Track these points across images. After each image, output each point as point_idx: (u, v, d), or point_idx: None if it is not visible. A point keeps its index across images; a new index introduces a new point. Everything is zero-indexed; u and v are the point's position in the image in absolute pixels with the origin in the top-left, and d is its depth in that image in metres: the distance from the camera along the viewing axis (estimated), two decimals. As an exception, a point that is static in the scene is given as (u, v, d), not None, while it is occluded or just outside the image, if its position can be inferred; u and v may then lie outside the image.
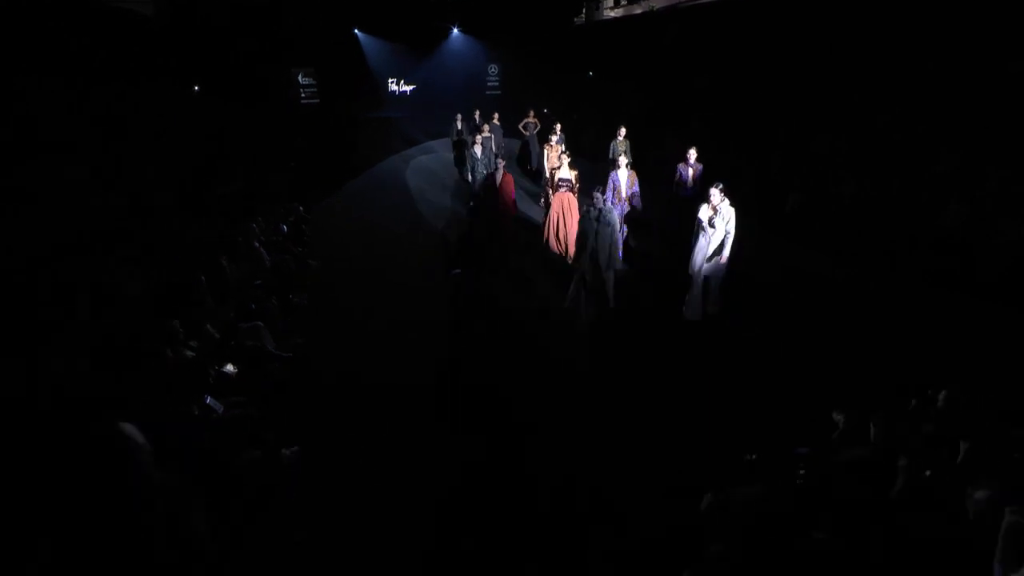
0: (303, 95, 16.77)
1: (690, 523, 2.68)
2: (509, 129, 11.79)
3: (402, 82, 17.84)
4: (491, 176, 8.31)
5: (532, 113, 11.77)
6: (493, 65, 17.65)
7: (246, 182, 9.59)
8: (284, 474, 3.48)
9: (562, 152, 8.14)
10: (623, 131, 8.73)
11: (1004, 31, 6.90)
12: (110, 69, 7.79)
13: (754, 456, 2.77)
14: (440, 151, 13.83)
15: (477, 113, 11.90)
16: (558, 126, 9.61)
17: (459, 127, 11.54)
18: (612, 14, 16.17)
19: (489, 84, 17.71)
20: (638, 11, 14.74)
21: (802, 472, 2.49)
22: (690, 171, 7.40)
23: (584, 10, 16.22)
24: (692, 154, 7.35)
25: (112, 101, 7.75)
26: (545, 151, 9.16)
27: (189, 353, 3.50)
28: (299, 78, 16.64)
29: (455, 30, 16.97)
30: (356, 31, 16.61)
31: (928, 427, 2.45)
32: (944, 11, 7.70)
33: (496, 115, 11.31)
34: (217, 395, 3.28)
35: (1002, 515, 1.69)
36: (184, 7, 12.59)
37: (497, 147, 10.45)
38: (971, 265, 6.04)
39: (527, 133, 11.70)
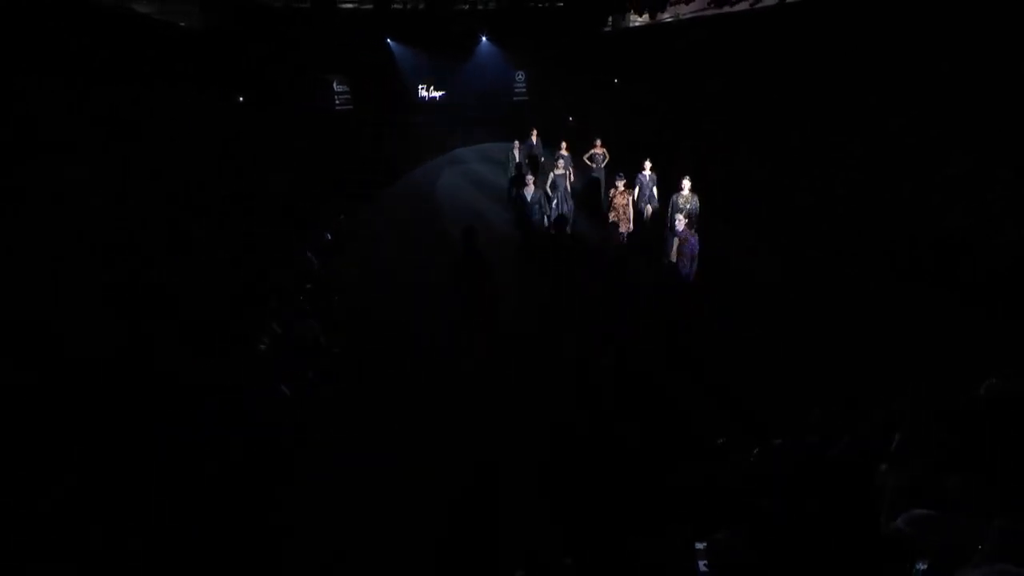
0: (337, 102, 17.54)
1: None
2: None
3: (432, 88, 18.48)
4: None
5: (599, 142, 9.91)
6: (520, 72, 18.15)
7: (290, 186, 10.29)
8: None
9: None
10: (687, 183, 7.18)
11: (1018, 33, 6.95)
12: (137, 73, 8.22)
13: (722, 441, 3.28)
14: (469, 161, 14.21)
15: (534, 134, 10.39)
16: (648, 163, 7.99)
17: (517, 158, 9.83)
18: (639, 21, 16.49)
19: (516, 90, 18.22)
20: (667, 18, 15.03)
21: (755, 452, 2.97)
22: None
23: (611, 19, 16.56)
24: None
25: (154, 105, 8.41)
26: (611, 194, 7.71)
27: (262, 346, 4.16)
28: (334, 85, 17.42)
29: (483, 38, 17.52)
30: (388, 40, 17.31)
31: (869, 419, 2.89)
32: (959, 13, 7.78)
33: (565, 144, 9.21)
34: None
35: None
36: (228, 20, 13.41)
37: (571, 189, 8.66)
38: (973, 267, 6.25)
39: (593, 166, 9.89)
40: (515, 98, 18.14)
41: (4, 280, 4.02)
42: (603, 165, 9.87)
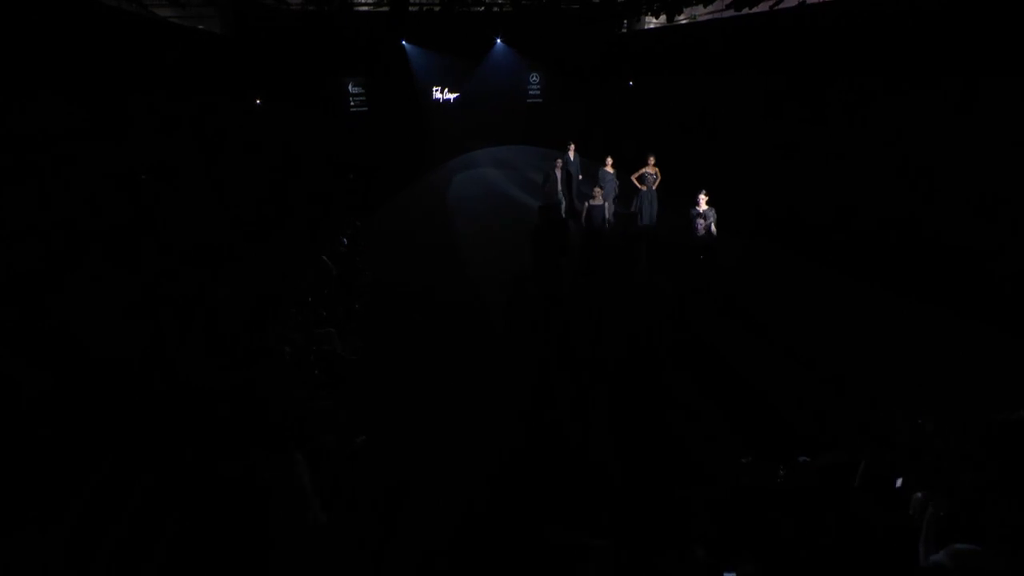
0: (352, 103, 17.62)
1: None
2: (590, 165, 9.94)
3: (446, 90, 18.49)
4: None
5: (652, 160, 8.94)
6: (535, 74, 18.12)
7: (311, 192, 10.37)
8: (355, 456, 4.14)
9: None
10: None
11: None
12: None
13: (748, 459, 3.21)
14: (484, 164, 14.20)
15: (572, 149, 9.56)
16: (703, 197, 7.01)
17: (558, 177, 9.02)
18: (654, 23, 16.38)
19: (530, 92, 18.18)
20: (683, 20, 14.89)
21: (782, 473, 2.91)
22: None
23: (626, 22, 16.48)
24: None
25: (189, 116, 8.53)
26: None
27: (285, 352, 4.17)
28: (349, 87, 17.51)
29: (498, 40, 17.52)
30: (403, 42, 17.37)
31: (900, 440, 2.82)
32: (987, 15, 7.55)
33: (610, 161, 8.84)
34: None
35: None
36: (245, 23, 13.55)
37: (611, 213, 8.13)
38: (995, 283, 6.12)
39: (643, 188, 8.89)
40: (529, 100, 18.12)
41: (26, 281, 4.08)
42: (654, 187, 8.94)
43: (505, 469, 4.27)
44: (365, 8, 15.72)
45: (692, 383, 5.35)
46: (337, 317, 5.65)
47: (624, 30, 16.92)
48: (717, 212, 7.21)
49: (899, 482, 2.42)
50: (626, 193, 9.36)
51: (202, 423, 3.40)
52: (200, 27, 12.02)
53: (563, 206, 8.34)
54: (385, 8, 15.36)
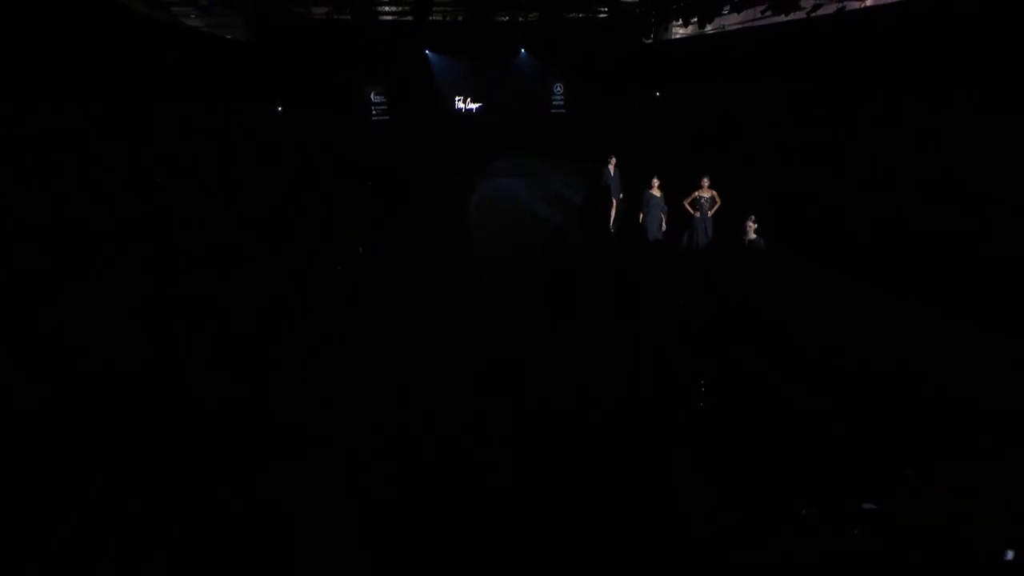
0: (374, 112, 17.63)
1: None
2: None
3: (468, 100, 18.39)
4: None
5: (707, 182, 7.93)
6: (559, 84, 17.93)
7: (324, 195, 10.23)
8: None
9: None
10: (656, 182, 7.04)
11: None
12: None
13: (812, 510, 2.75)
14: (504, 174, 14.00)
15: (612, 164, 8.85)
16: (751, 225, 6.38)
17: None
18: (681, 32, 16.10)
19: (554, 103, 17.98)
20: (710, 30, 14.58)
21: (857, 532, 2.45)
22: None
23: (652, 32, 16.21)
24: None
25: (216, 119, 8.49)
26: None
27: (294, 360, 3.91)
28: (371, 95, 17.53)
29: (523, 50, 17.40)
30: (427, 51, 17.36)
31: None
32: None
33: (657, 182, 8.00)
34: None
35: None
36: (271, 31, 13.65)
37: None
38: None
39: (696, 213, 7.88)
40: (553, 110, 17.92)
41: (31, 281, 3.87)
42: (710, 213, 7.93)
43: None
44: (389, 17, 15.75)
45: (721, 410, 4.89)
46: (346, 326, 5.37)
47: (650, 40, 16.65)
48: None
49: (1010, 555, 1.97)
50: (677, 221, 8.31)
51: (208, 434, 3.12)
52: (228, 36, 12.13)
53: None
54: (409, 18, 15.37)
